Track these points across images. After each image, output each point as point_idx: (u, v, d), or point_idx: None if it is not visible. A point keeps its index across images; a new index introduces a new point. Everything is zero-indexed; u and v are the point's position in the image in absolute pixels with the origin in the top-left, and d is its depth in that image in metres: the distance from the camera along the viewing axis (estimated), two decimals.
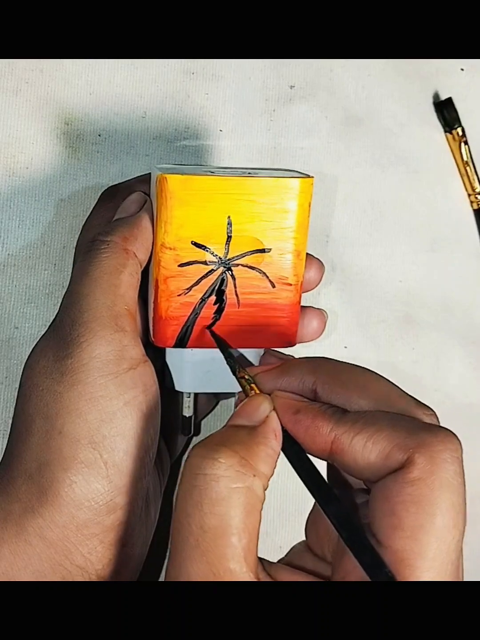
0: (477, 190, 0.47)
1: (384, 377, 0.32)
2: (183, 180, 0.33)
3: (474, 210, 0.48)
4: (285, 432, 0.31)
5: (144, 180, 0.38)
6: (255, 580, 0.28)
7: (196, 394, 0.39)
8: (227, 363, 0.35)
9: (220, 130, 0.44)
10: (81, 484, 0.32)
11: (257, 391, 0.33)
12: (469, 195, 0.48)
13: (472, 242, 0.48)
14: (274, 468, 0.30)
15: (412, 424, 0.29)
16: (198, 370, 0.37)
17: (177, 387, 0.38)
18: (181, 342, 0.36)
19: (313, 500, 0.31)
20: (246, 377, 0.34)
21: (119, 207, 0.37)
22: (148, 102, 0.42)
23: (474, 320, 0.48)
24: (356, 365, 0.33)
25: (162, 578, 0.43)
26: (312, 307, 0.39)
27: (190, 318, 0.35)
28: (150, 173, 0.37)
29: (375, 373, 0.32)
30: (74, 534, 0.32)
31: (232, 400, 0.42)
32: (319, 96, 0.45)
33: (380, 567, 0.27)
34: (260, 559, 0.30)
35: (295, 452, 0.31)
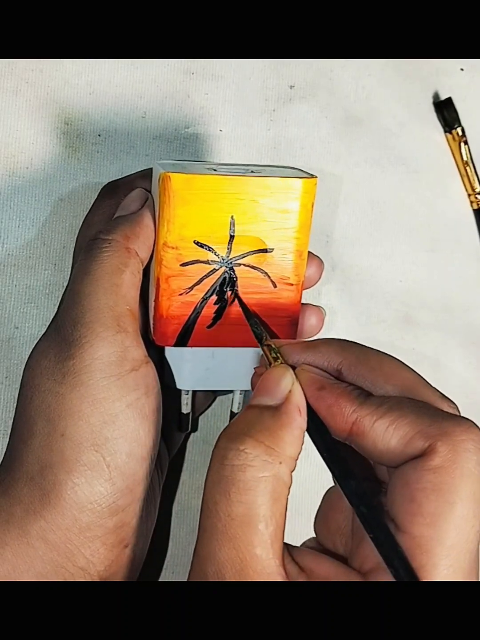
0: (477, 190, 0.47)
1: (409, 367, 0.32)
2: (186, 179, 0.33)
3: (474, 210, 0.48)
4: (307, 407, 0.31)
5: (145, 175, 0.38)
6: (281, 566, 0.28)
7: (194, 391, 0.39)
8: (253, 331, 0.34)
9: (220, 130, 0.44)
10: (84, 486, 0.32)
11: (282, 362, 0.33)
12: (469, 195, 0.48)
13: (472, 242, 0.48)
14: (302, 444, 0.30)
15: (435, 412, 0.29)
16: (197, 368, 0.37)
17: (177, 385, 0.38)
18: (182, 340, 0.36)
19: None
20: (272, 346, 0.33)
21: (120, 205, 0.37)
22: (148, 102, 0.42)
23: (474, 320, 0.48)
24: (383, 352, 0.33)
25: (162, 578, 0.43)
26: (311, 304, 0.39)
27: (191, 317, 0.35)
28: (150, 168, 0.37)
29: (402, 362, 0.32)
30: (76, 536, 0.32)
31: (230, 396, 0.42)
32: (319, 96, 0.45)
33: (394, 547, 0.28)
34: (285, 544, 0.30)
35: (316, 426, 0.31)
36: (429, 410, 0.29)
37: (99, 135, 0.42)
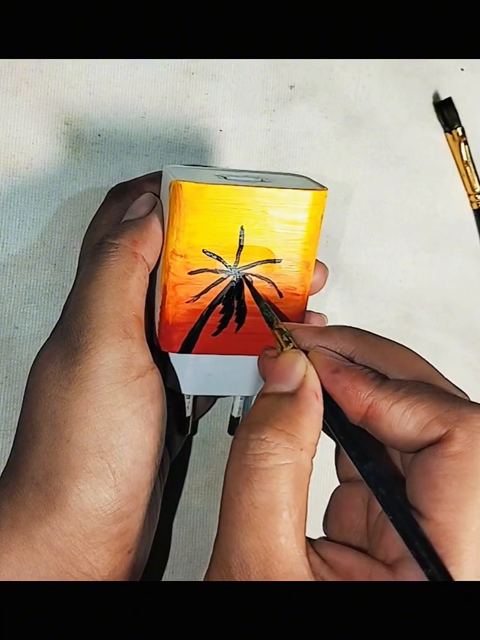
0: (477, 190, 0.47)
1: (423, 358, 0.32)
2: (198, 189, 0.33)
3: (474, 210, 0.48)
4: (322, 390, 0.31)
5: (153, 179, 0.38)
6: (305, 556, 0.28)
7: (195, 395, 0.39)
8: (263, 315, 0.34)
9: (220, 130, 0.44)
10: (89, 493, 0.32)
11: (293, 346, 0.32)
12: (469, 195, 0.48)
13: (472, 242, 0.48)
14: (320, 429, 0.30)
15: (453, 398, 0.29)
16: (200, 373, 0.37)
17: (179, 390, 0.38)
18: (187, 347, 0.36)
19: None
20: (283, 330, 0.33)
21: (129, 209, 0.36)
22: (148, 102, 0.42)
23: (474, 321, 0.48)
24: (397, 342, 0.32)
25: (163, 579, 0.43)
26: (314, 311, 0.39)
27: (197, 325, 0.35)
28: (158, 172, 0.37)
29: (416, 352, 0.32)
30: (81, 542, 0.32)
31: (230, 398, 0.42)
32: (319, 96, 0.45)
33: (414, 527, 0.27)
34: (306, 538, 0.30)
35: (331, 409, 0.30)
36: (447, 396, 0.29)
37: (99, 135, 0.42)
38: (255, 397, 0.31)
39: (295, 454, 0.29)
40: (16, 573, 0.31)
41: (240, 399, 0.40)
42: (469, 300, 0.48)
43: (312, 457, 0.29)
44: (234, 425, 0.41)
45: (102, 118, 0.42)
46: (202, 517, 0.44)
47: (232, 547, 0.28)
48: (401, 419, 0.29)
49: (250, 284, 0.35)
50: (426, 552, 0.27)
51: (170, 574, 0.43)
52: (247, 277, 0.35)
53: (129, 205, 0.37)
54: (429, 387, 0.30)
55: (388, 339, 0.32)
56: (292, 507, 0.28)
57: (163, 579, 0.43)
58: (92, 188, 0.42)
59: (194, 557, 0.44)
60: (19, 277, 0.41)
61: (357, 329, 0.33)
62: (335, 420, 0.30)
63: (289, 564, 0.28)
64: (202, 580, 0.30)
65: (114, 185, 0.40)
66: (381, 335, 0.47)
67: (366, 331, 0.33)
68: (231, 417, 0.41)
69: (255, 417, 0.30)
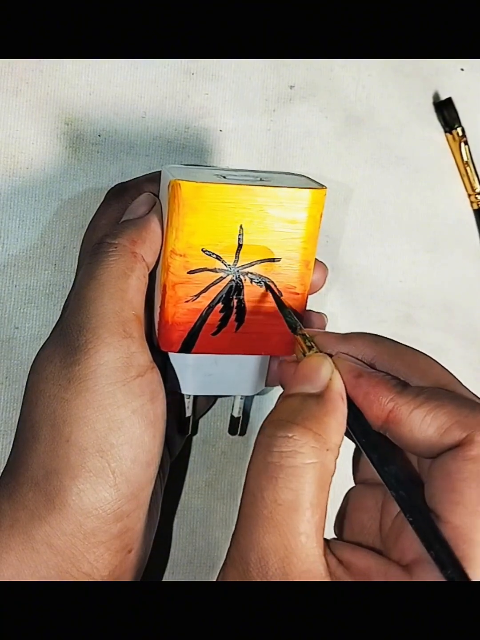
0: (477, 190, 0.47)
1: (441, 365, 0.32)
2: (196, 188, 0.33)
3: (474, 210, 0.48)
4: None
5: (152, 179, 0.38)
6: (323, 556, 0.28)
7: (196, 395, 0.39)
8: (286, 320, 0.35)
9: (220, 131, 0.44)
10: (89, 492, 0.32)
11: (316, 351, 0.33)
12: (469, 195, 0.48)
13: (472, 242, 0.48)
14: (344, 431, 0.30)
15: (472, 404, 0.30)
16: (200, 373, 0.37)
17: (179, 390, 0.38)
18: (186, 347, 0.36)
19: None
20: (306, 335, 0.33)
21: (128, 208, 0.36)
22: (148, 102, 0.42)
23: (474, 321, 0.48)
24: (416, 349, 0.33)
25: (163, 578, 0.43)
26: (313, 310, 0.39)
27: (197, 324, 0.35)
28: (158, 171, 0.37)
29: (434, 359, 0.32)
30: (81, 542, 0.32)
31: (230, 398, 0.42)
32: (319, 96, 0.45)
33: (434, 531, 0.28)
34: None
35: (353, 413, 0.31)
36: (466, 401, 0.30)
37: (99, 135, 0.42)
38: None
39: (321, 453, 0.29)
40: (16, 573, 0.31)
41: (240, 398, 0.40)
42: (469, 300, 0.48)
43: (336, 459, 0.30)
44: (234, 425, 0.41)
45: (102, 118, 0.42)
46: (202, 517, 0.44)
47: (251, 543, 0.28)
48: (422, 424, 0.29)
49: (271, 289, 0.35)
50: (446, 555, 0.27)
51: (170, 574, 0.43)
52: (267, 282, 0.36)
53: (128, 205, 0.37)
54: (449, 393, 0.30)
55: (408, 346, 0.33)
56: (315, 506, 0.28)
57: (163, 579, 0.43)
58: (92, 188, 0.42)
59: (194, 557, 0.44)
60: (19, 277, 0.41)
61: (377, 335, 0.33)
62: (357, 424, 0.31)
63: (308, 563, 0.28)
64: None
65: (113, 185, 0.40)
66: (381, 335, 0.47)
67: (386, 338, 0.33)
68: (231, 417, 0.41)
69: (281, 414, 0.30)
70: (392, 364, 0.32)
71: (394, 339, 0.33)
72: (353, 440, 0.32)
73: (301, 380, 0.31)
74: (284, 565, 0.28)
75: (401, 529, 0.30)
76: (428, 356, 0.32)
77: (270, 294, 0.36)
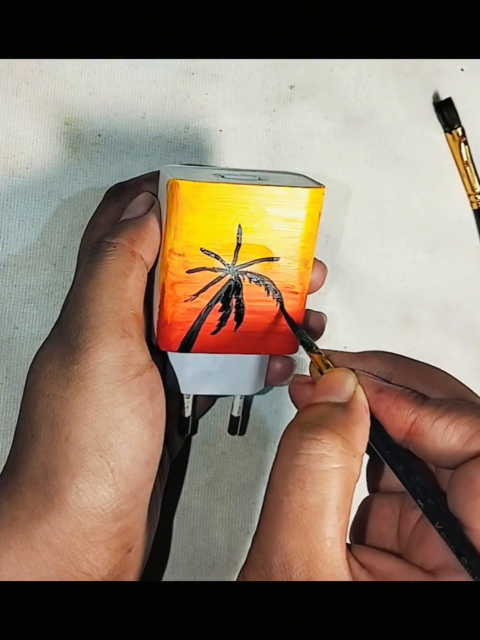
0: (477, 190, 0.47)
1: (456, 378, 0.33)
2: (195, 187, 0.33)
3: (474, 210, 0.48)
4: None
5: (151, 178, 0.38)
6: (346, 560, 0.28)
7: (195, 395, 0.39)
8: (301, 340, 0.35)
9: (220, 131, 0.44)
10: (88, 491, 0.32)
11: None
12: (469, 195, 0.48)
13: (472, 242, 0.48)
14: (367, 441, 0.31)
15: None
16: (199, 372, 0.37)
17: (178, 389, 0.38)
18: (185, 347, 0.36)
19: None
20: (322, 354, 0.34)
21: (126, 208, 0.36)
22: (148, 102, 0.42)
23: (474, 321, 0.48)
24: (430, 364, 0.33)
25: (163, 578, 0.43)
26: (312, 310, 0.39)
27: (196, 324, 0.35)
28: (156, 171, 0.37)
29: (449, 373, 0.33)
30: (80, 541, 0.32)
31: (230, 398, 0.42)
32: (319, 96, 0.45)
33: (463, 538, 0.28)
34: None
35: (375, 426, 0.31)
36: None
37: (99, 135, 0.42)
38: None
39: (348, 458, 0.29)
40: (15, 572, 0.31)
41: (240, 398, 0.40)
42: (469, 300, 0.48)
43: (360, 467, 0.30)
44: (233, 424, 0.41)
45: (102, 118, 0.42)
46: (202, 517, 0.44)
47: (275, 546, 0.28)
48: (444, 434, 0.29)
49: (282, 308, 0.36)
50: (476, 563, 0.27)
51: (170, 574, 0.43)
52: (281, 300, 0.36)
53: (127, 204, 0.37)
54: (469, 403, 0.30)
55: (422, 362, 0.33)
56: (340, 511, 0.28)
57: (163, 579, 0.43)
58: (91, 188, 0.42)
59: (194, 557, 0.44)
60: (19, 277, 0.41)
61: (392, 353, 0.34)
62: (380, 437, 0.31)
63: (333, 567, 0.28)
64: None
65: (113, 185, 0.40)
66: (381, 335, 0.47)
67: (400, 355, 0.34)
68: (231, 417, 0.41)
69: (308, 418, 0.30)
70: (408, 379, 0.32)
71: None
72: (376, 453, 0.32)
73: (327, 391, 0.31)
74: (308, 569, 0.28)
75: (423, 536, 0.30)
76: (442, 370, 0.33)
77: (270, 294, 0.36)
